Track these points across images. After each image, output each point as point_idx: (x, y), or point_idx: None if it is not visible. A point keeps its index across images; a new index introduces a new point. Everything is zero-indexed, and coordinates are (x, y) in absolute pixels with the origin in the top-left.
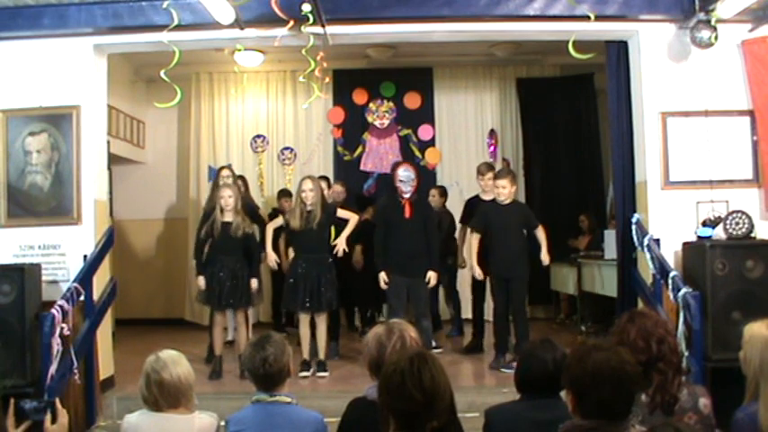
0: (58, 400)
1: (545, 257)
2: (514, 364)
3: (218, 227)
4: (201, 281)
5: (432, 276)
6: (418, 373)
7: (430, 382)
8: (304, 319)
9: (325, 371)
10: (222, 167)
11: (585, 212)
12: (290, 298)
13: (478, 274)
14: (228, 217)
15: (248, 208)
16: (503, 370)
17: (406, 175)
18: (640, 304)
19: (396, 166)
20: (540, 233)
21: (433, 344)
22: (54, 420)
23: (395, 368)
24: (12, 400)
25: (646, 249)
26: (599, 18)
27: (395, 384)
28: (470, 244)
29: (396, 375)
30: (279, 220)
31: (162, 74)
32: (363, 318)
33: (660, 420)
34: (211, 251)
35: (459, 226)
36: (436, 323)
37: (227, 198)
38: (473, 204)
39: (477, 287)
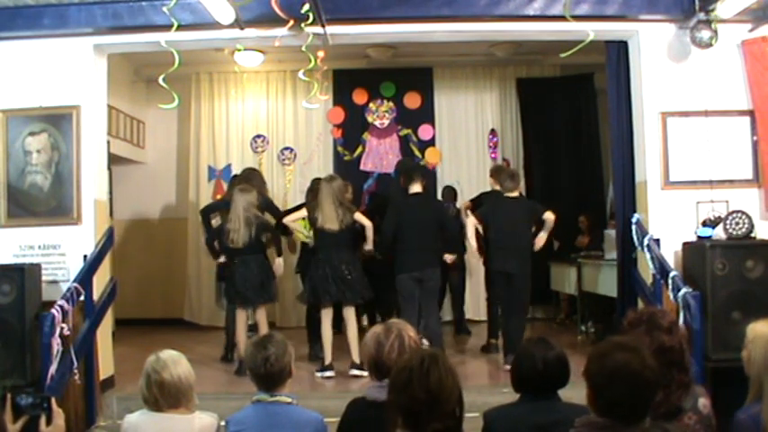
0: (54, 401)
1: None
2: None
3: None
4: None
5: None
6: (426, 374)
7: (436, 384)
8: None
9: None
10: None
11: (585, 213)
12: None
13: None
14: None
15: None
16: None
17: None
18: (640, 304)
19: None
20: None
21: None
22: (49, 422)
23: (404, 366)
24: (8, 395)
25: (646, 249)
26: (599, 18)
27: (402, 382)
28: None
29: (404, 373)
30: (303, 213)
31: (161, 80)
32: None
33: (649, 422)
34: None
35: None
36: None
37: None
38: None
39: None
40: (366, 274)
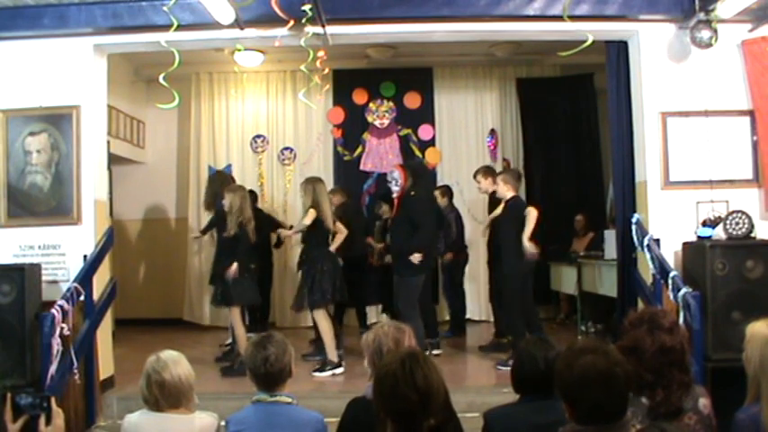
0: (53, 401)
1: None
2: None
3: None
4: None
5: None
6: (411, 374)
7: (423, 381)
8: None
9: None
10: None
11: (583, 212)
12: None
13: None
14: None
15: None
16: (499, 368)
17: (390, 176)
18: (640, 304)
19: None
20: None
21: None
22: (49, 422)
23: (386, 370)
24: (8, 395)
25: (646, 249)
26: (599, 18)
27: (388, 386)
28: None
29: (388, 378)
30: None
31: (161, 79)
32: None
33: (647, 422)
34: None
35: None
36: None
37: None
38: None
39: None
40: (381, 276)
